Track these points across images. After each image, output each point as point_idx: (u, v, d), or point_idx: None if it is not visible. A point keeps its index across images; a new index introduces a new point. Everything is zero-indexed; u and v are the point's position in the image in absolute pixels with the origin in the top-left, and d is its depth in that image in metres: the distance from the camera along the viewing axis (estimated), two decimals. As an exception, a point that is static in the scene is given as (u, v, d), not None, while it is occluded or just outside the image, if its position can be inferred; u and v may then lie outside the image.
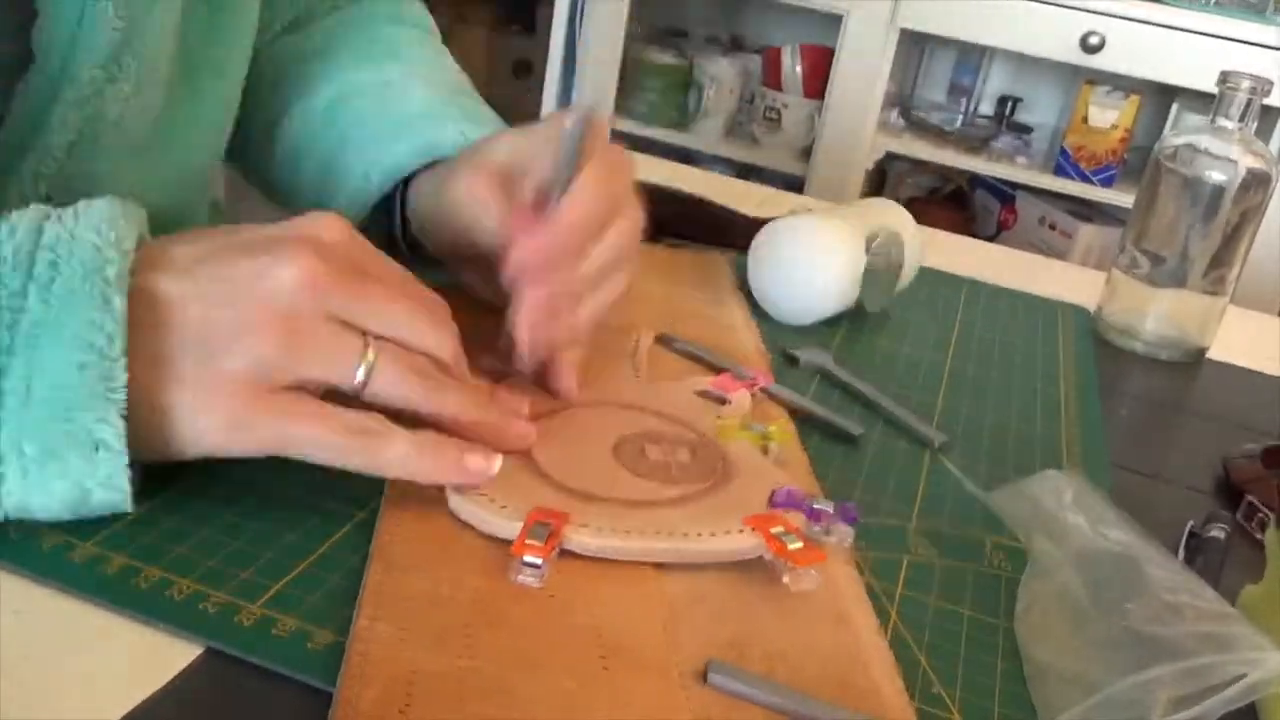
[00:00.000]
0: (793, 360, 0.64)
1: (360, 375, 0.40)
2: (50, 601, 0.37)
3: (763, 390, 0.57)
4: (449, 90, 0.66)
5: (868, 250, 0.69)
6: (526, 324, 0.49)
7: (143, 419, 0.38)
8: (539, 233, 0.49)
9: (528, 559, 0.40)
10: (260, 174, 0.71)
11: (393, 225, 0.62)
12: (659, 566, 0.42)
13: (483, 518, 0.42)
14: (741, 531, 0.43)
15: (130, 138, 0.53)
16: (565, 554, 0.41)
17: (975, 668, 0.41)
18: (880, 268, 0.70)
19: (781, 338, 0.67)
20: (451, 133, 0.59)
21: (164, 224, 0.44)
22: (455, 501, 0.43)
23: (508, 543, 0.41)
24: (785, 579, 0.41)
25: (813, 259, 0.68)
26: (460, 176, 0.53)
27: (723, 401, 0.55)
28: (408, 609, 0.38)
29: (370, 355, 0.40)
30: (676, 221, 0.78)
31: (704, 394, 0.55)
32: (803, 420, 0.57)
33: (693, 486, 0.46)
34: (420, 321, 0.43)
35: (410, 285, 0.44)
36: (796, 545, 0.42)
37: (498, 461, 0.43)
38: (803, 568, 0.41)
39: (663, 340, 0.62)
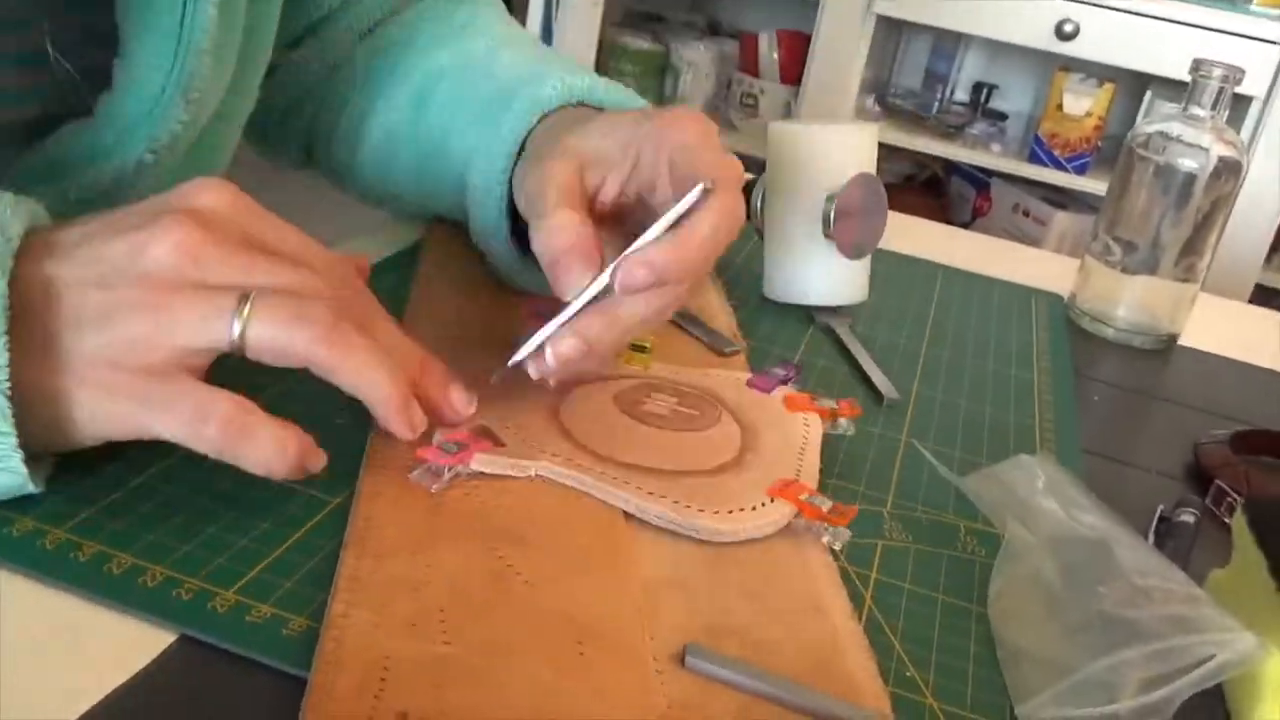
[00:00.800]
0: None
1: (235, 330, 0.38)
2: (22, 589, 0.37)
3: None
4: (534, 49, 0.66)
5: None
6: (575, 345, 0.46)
7: (36, 408, 0.38)
8: (649, 262, 0.45)
9: (832, 528, 0.44)
10: (350, 178, 0.70)
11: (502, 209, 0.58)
12: (632, 551, 0.42)
13: (762, 525, 0.44)
14: (810, 418, 0.51)
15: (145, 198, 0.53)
16: (537, 537, 0.41)
17: (948, 652, 0.41)
18: (852, 211, 0.68)
19: (748, 322, 0.67)
20: (553, 86, 0.57)
21: None
22: (722, 531, 0.43)
23: (486, 529, 0.41)
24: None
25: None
26: (540, 166, 0.50)
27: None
28: (383, 595, 0.37)
29: (245, 310, 0.38)
30: None
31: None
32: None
33: (721, 414, 0.51)
34: (308, 279, 0.41)
35: (305, 248, 0.42)
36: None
37: (322, 460, 0.41)
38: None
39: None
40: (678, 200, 0.45)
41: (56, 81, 0.49)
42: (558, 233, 0.47)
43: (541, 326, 0.46)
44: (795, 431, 0.51)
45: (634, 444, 0.48)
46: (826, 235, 0.67)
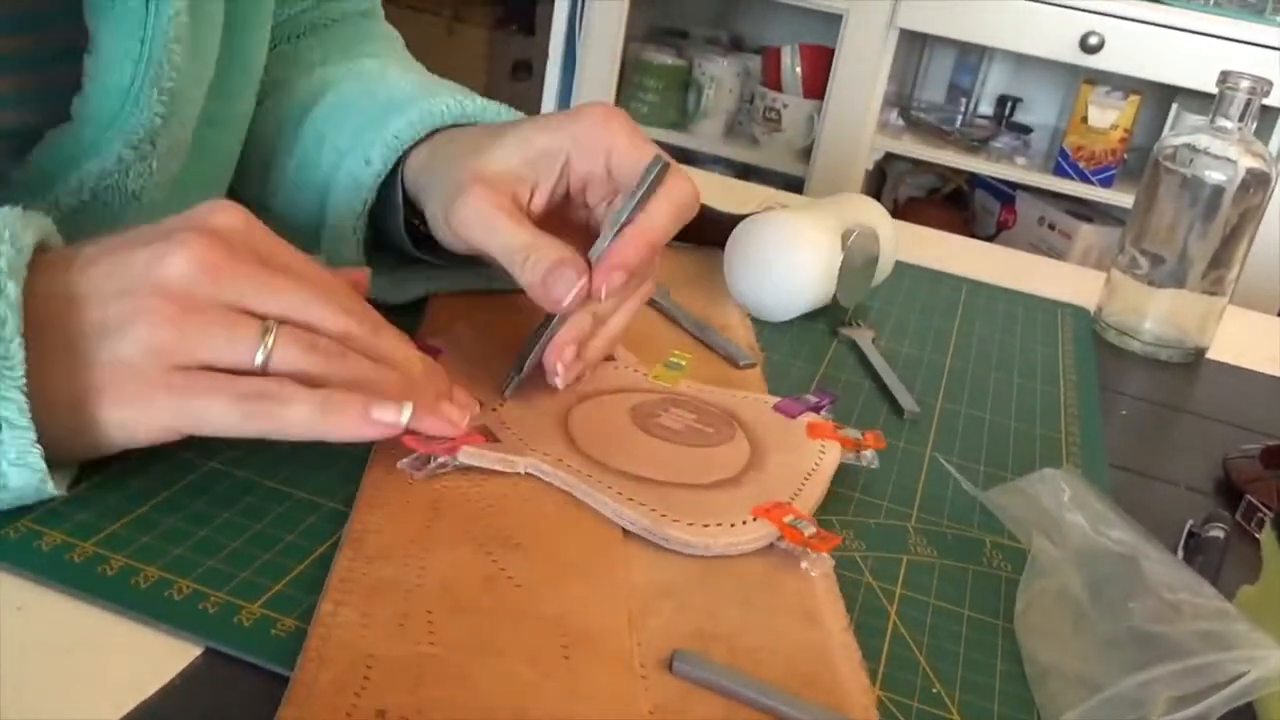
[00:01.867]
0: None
1: (259, 358, 0.40)
2: (50, 602, 0.37)
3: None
4: (424, 75, 0.66)
5: (843, 246, 0.69)
6: (567, 342, 0.50)
7: (60, 416, 0.39)
8: (610, 260, 0.49)
9: (820, 554, 0.43)
10: (269, 209, 0.68)
11: (394, 217, 0.59)
12: (627, 559, 0.42)
13: (737, 543, 0.43)
14: (828, 446, 0.49)
15: (143, 204, 0.53)
16: (532, 542, 0.42)
17: (974, 668, 0.41)
18: (856, 263, 0.70)
19: (772, 337, 0.67)
20: (445, 101, 0.57)
21: None
22: (706, 544, 0.43)
23: (482, 533, 0.42)
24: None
25: (788, 255, 0.68)
26: (468, 195, 0.50)
27: (610, 358, 0.56)
28: (373, 595, 0.38)
29: (269, 339, 0.40)
30: None
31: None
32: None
33: (736, 434, 0.51)
34: (319, 302, 0.42)
35: (311, 269, 0.44)
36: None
37: (407, 410, 0.42)
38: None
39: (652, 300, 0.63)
40: (632, 192, 0.49)
41: (43, 92, 0.50)
42: (543, 250, 0.48)
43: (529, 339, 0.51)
44: (807, 457, 0.50)
45: (634, 453, 0.48)
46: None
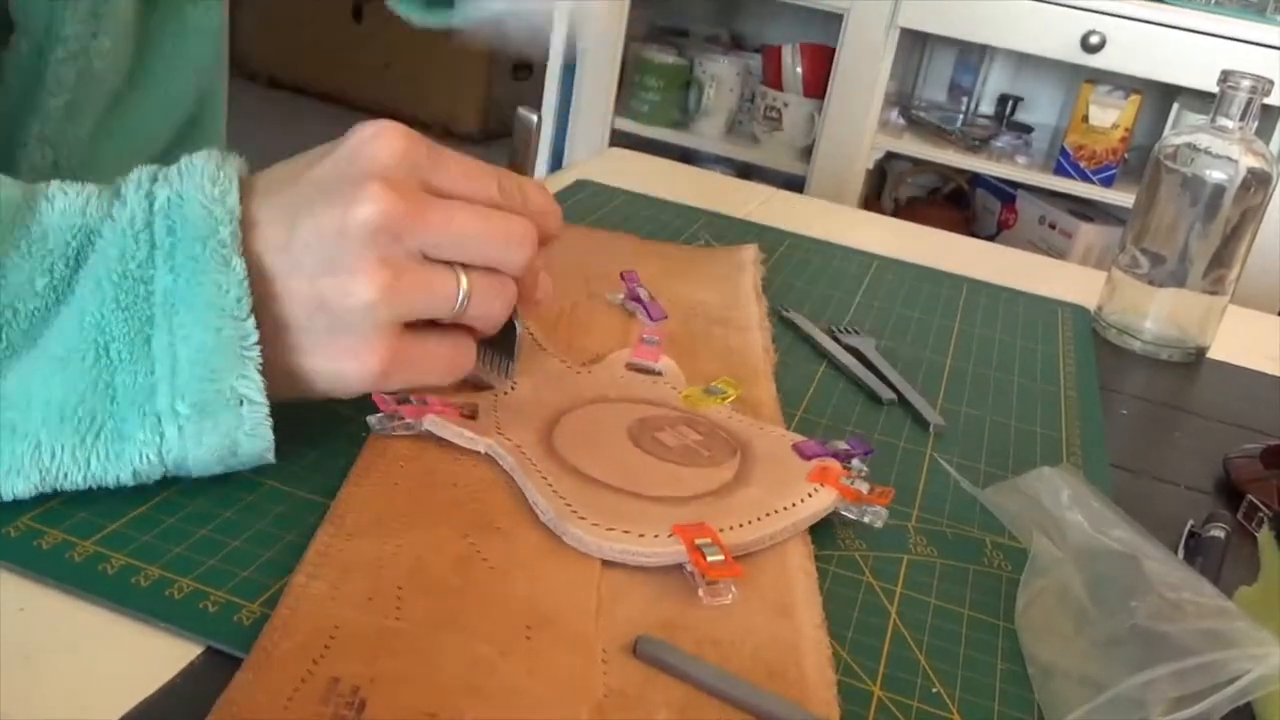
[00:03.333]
0: (787, 320, 0.64)
1: (458, 306, 0.44)
2: (50, 601, 0.37)
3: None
4: None
5: None
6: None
7: (277, 382, 0.42)
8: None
9: (721, 582, 0.40)
10: None
11: None
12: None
13: (638, 553, 0.42)
14: (818, 491, 0.46)
15: (108, 90, 0.54)
16: (512, 527, 0.42)
17: (975, 668, 0.41)
18: None
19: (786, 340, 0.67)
20: None
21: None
22: (593, 545, 0.42)
23: (463, 517, 0.42)
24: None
25: None
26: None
27: (653, 372, 0.56)
28: (346, 570, 0.38)
29: (464, 288, 0.44)
30: None
31: (633, 367, 0.56)
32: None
33: (732, 462, 0.48)
34: (497, 243, 0.45)
35: (482, 181, 0.45)
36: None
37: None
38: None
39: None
40: None
41: None
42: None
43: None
44: (786, 496, 0.46)
45: (605, 459, 0.47)
46: None
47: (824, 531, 0.47)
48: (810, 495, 0.46)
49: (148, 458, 0.40)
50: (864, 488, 0.47)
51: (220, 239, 0.40)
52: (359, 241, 0.41)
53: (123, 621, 0.37)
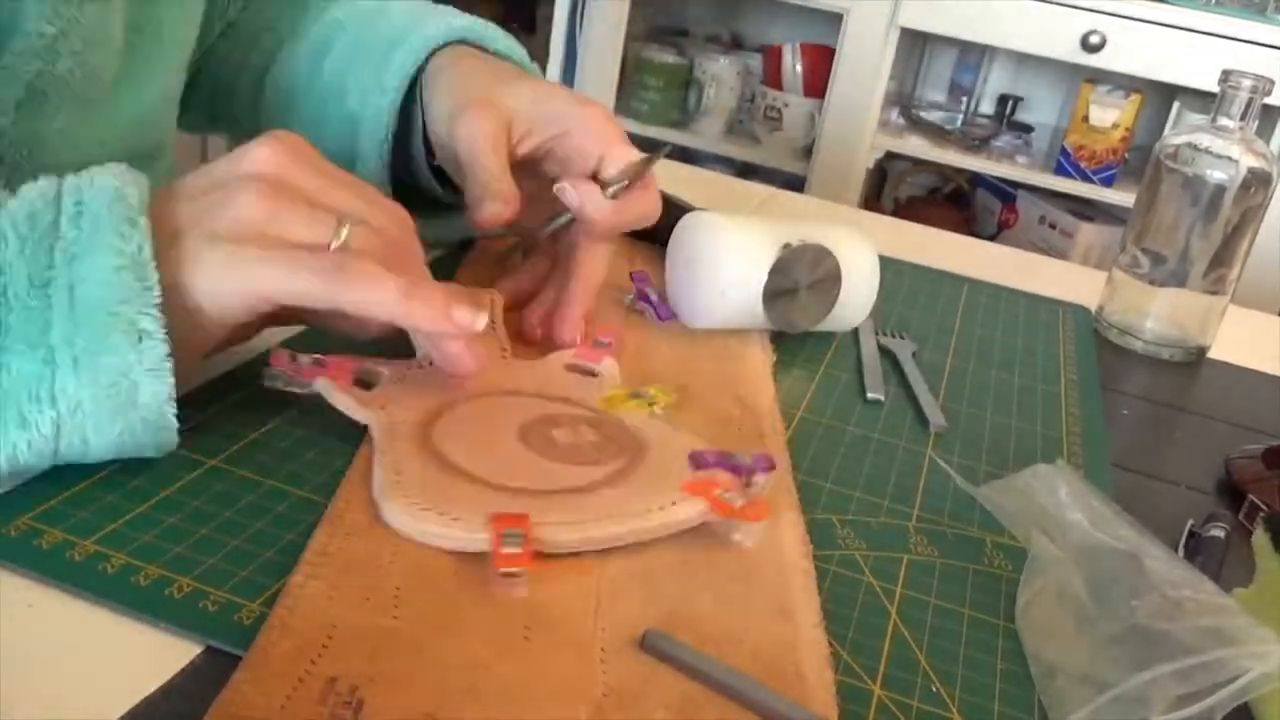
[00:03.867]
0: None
1: (335, 245, 0.44)
2: (50, 600, 0.37)
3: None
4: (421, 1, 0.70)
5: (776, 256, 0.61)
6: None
7: (169, 308, 0.41)
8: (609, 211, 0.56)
9: (510, 570, 0.39)
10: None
11: (412, 148, 0.65)
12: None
13: (441, 534, 0.40)
14: (686, 500, 0.43)
15: (80, 95, 0.53)
16: (538, 554, 0.40)
17: (975, 667, 0.41)
18: (794, 281, 0.62)
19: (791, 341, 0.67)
20: (437, 25, 0.63)
21: None
22: (403, 521, 0.41)
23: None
24: (736, 536, 0.43)
25: (709, 258, 0.62)
26: (470, 112, 0.57)
27: (592, 374, 0.55)
28: (344, 570, 0.39)
29: (344, 231, 0.44)
30: None
31: (573, 368, 0.55)
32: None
33: (615, 463, 0.46)
34: (383, 211, 0.47)
35: (368, 188, 0.47)
36: (741, 503, 0.43)
37: (482, 319, 0.45)
38: (750, 523, 0.42)
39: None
40: (622, 175, 0.56)
41: None
42: (498, 187, 0.56)
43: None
44: (648, 503, 0.43)
45: (472, 443, 0.46)
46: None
47: (824, 531, 0.47)
48: (672, 504, 0.43)
49: (36, 395, 0.39)
50: (735, 500, 0.44)
51: (128, 203, 0.41)
52: (243, 170, 0.44)
53: (123, 621, 0.36)
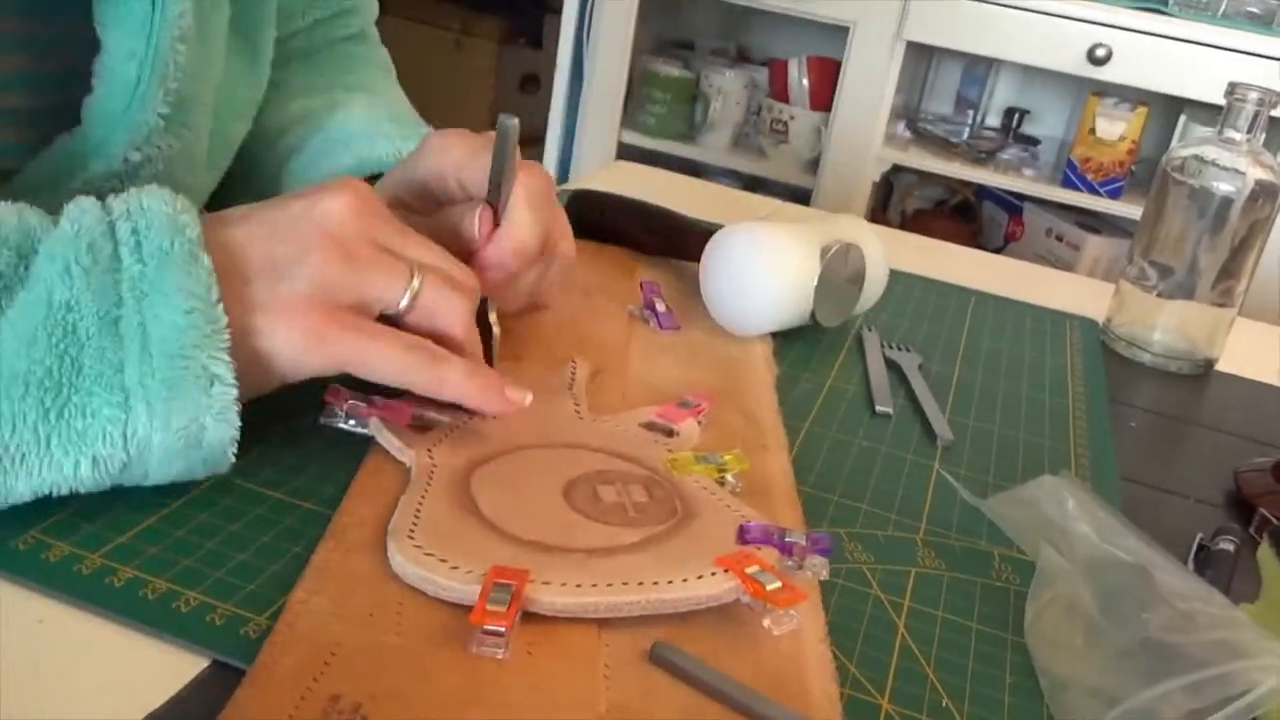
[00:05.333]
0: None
1: (407, 299, 0.45)
2: (58, 613, 0.37)
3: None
4: (388, 110, 0.68)
5: (821, 260, 0.65)
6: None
7: (238, 351, 0.41)
8: (485, 258, 0.52)
9: (489, 627, 0.36)
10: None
11: None
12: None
13: (433, 581, 0.38)
14: (714, 575, 0.40)
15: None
16: (528, 616, 0.38)
17: (984, 681, 0.41)
18: (835, 279, 0.67)
19: (791, 349, 0.67)
20: (385, 148, 0.62)
21: None
22: (400, 563, 0.39)
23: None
24: (766, 622, 0.39)
25: (760, 266, 0.65)
26: (431, 144, 0.55)
27: (670, 433, 0.52)
28: (346, 586, 0.38)
29: (415, 281, 0.45)
30: (635, 231, 0.77)
31: (650, 425, 0.52)
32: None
33: (654, 528, 0.43)
34: (450, 258, 0.47)
35: (434, 244, 0.48)
36: (775, 585, 0.39)
37: (528, 396, 0.47)
38: (784, 609, 0.39)
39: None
40: (492, 164, 0.51)
41: (47, 77, 0.51)
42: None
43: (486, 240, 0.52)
44: (674, 574, 0.40)
45: (505, 495, 0.44)
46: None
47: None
48: (698, 578, 0.40)
49: (111, 437, 0.39)
50: (773, 583, 0.40)
51: (189, 236, 0.41)
52: (317, 223, 0.43)
53: (130, 634, 0.37)
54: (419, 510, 0.42)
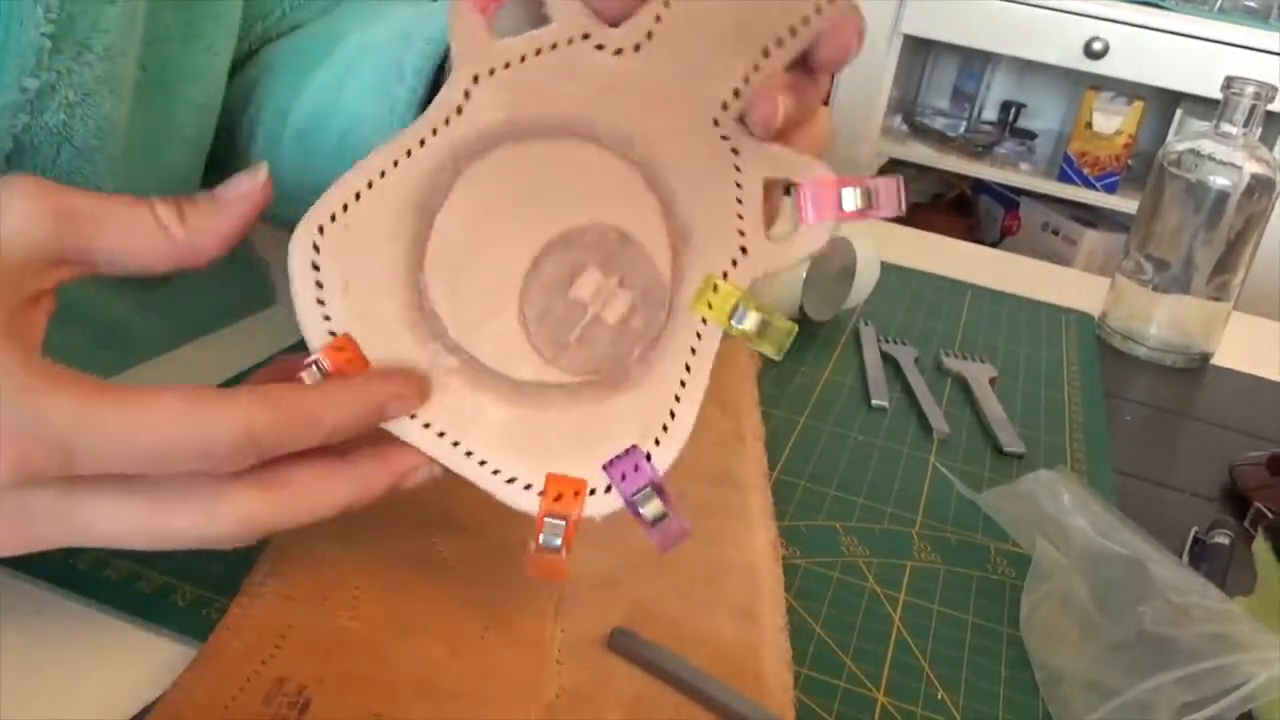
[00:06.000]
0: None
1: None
2: (54, 607, 0.37)
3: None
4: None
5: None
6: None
7: None
8: None
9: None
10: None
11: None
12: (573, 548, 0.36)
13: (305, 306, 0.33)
14: (527, 488, 0.35)
15: (86, 147, 0.52)
16: (476, 525, 0.39)
17: (979, 674, 0.41)
18: (825, 274, 0.68)
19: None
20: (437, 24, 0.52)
21: None
22: (294, 264, 0.34)
23: (425, 516, 0.40)
24: (531, 546, 0.34)
25: None
26: None
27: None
28: (302, 570, 0.38)
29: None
30: None
31: (773, 183, 0.38)
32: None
33: (591, 376, 0.35)
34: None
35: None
36: (557, 541, 0.34)
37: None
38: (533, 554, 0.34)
39: None
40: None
41: None
42: None
43: None
44: (513, 460, 0.35)
45: (458, 251, 0.35)
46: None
47: (827, 538, 0.47)
48: (509, 481, 0.35)
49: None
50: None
51: None
52: None
53: (126, 628, 0.37)
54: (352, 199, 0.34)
